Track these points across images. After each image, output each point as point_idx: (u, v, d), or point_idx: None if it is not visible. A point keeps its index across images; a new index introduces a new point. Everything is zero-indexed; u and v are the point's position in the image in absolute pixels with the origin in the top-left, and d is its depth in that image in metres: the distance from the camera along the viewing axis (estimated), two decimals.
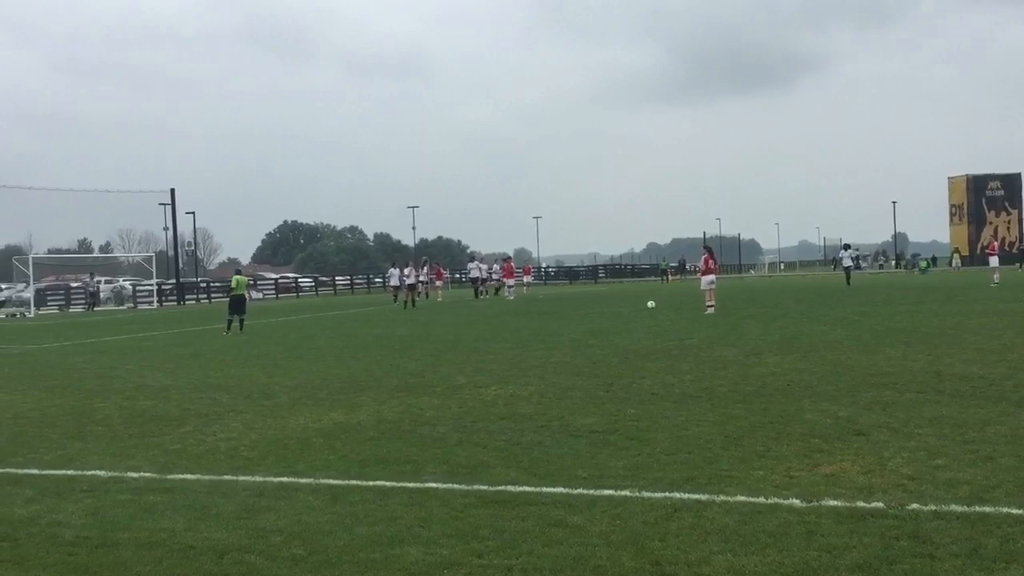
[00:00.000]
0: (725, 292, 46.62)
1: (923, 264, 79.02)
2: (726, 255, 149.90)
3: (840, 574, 5.28)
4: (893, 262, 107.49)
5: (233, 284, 29.70)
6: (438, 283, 53.30)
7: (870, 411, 10.23)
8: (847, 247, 51.52)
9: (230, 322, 28.18)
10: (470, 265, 55.15)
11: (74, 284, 68.42)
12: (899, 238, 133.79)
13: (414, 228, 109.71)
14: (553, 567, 5.60)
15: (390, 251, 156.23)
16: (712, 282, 28.66)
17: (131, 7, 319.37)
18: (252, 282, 59.69)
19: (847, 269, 48.62)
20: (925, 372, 13.09)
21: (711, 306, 28.00)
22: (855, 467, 7.68)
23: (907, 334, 18.86)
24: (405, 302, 42.61)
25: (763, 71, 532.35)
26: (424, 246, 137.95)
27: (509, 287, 49.79)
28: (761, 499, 6.83)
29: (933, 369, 13.34)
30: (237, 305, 28.64)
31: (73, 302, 63.33)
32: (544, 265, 68.00)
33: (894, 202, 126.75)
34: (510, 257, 54.63)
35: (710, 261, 29.29)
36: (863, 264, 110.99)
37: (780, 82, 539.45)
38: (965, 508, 6.38)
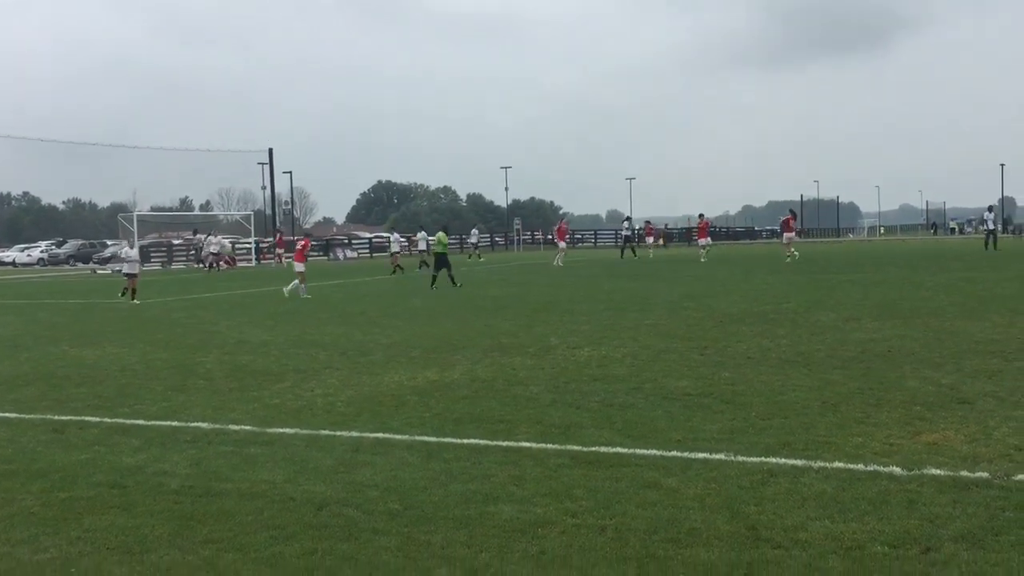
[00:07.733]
0: (822, 256, 45.73)
1: None
2: (824, 218, 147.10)
3: (943, 544, 5.16)
4: (1000, 227, 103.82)
5: (435, 240, 29.86)
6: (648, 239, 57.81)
7: (975, 379, 9.95)
8: (991, 209, 48.51)
9: (434, 278, 28.63)
10: (624, 224, 58.99)
11: (176, 241, 70.22)
12: (1007, 202, 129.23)
13: (507, 189, 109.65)
14: (647, 528, 5.58)
15: (483, 212, 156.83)
16: (791, 238, 40.88)
17: None
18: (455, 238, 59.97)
19: (991, 232, 45.63)
20: None
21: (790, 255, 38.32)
22: (959, 436, 7.49)
23: (1015, 300, 18.27)
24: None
25: (860, 31, 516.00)
26: (516, 207, 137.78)
27: (704, 246, 46.43)
28: (860, 466, 6.71)
29: None
30: (439, 262, 28.91)
31: (175, 259, 65.05)
32: (637, 227, 67.02)
33: (1002, 165, 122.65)
34: (703, 215, 51.31)
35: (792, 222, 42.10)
36: (967, 229, 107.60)
37: (878, 42, 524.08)
38: None
